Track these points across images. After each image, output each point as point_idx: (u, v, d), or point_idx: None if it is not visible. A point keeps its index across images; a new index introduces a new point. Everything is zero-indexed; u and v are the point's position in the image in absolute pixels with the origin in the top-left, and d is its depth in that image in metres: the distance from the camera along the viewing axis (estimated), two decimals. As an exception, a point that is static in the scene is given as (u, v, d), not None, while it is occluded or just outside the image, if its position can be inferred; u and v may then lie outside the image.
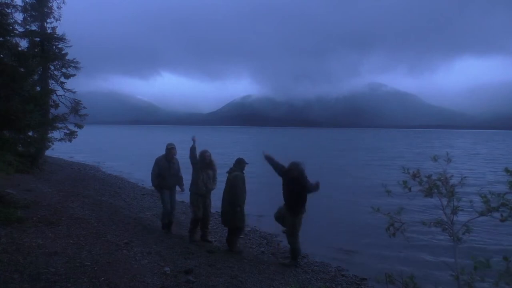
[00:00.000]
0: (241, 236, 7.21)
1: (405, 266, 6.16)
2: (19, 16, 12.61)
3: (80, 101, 15.09)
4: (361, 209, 10.66)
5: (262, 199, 11.19)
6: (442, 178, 2.45)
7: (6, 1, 8.12)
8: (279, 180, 6.27)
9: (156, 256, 5.38)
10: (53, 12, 14.24)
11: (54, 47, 14.07)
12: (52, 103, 13.95)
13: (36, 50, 13.12)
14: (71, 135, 14.67)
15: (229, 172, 6.33)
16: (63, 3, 14.54)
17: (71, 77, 14.69)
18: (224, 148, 37.94)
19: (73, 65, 14.42)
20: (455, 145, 53.65)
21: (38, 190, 9.47)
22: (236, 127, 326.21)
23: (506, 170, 2.18)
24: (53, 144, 13.94)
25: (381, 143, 58.57)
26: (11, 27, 7.76)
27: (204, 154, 6.65)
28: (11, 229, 5.51)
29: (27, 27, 13.58)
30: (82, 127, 15.00)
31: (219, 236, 7.49)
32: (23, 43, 12.14)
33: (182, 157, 7.22)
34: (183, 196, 7.34)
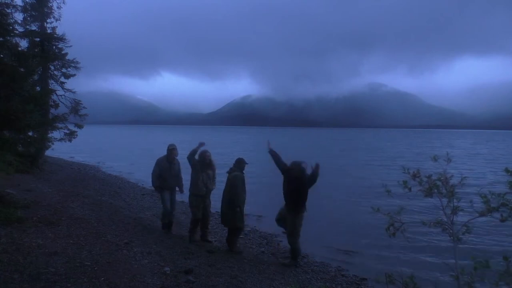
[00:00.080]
0: (241, 236, 7.22)
1: (405, 266, 6.16)
2: (19, 16, 12.63)
3: (80, 101, 15.09)
4: (361, 209, 10.67)
5: (262, 199, 11.19)
6: (442, 178, 2.44)
7: (6, 1, 8.12)
8: (279, 180, 6.27)
9: (156, 256, 5.38)
10: (53, 12, 14.26)
11: (54, 47, 14.07)
12: (52, 103, 13.95)
13: (36, 50, 13.12)
14: (71, 135, 14.67)
15: (229, 172, 6.33)
16: (63, 3, 14.55)
17: (71, 77, 14.70)
18: (224, 148, 37.95)
19: (73, 65, 14.42)
20: (455, 145, 53.65)
21: (38, 190, 9.47)
22: (236, 127, 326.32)
23: (506, 170, 2.18)
24: (53, 144, 13.94)
25: (381, 143, 58.58)
26: (11, 27, 7.76)
27: (204, 154, 6.64)
28: (11, 229, 5.51)
29: (27, 27, 13.58)
30: (82, 127, 15.00)
31: (219, 236, 7.49)
32: (23, 43, 12.16)
33: (182, 158, 7.22)
34: (183, 196, 7.34)
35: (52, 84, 14.37)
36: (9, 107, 6.58)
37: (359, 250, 7.43)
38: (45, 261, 4.46)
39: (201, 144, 6.61)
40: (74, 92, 14.87)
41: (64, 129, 14.43)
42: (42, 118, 9.31)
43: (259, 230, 8.60)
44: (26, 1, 13.38)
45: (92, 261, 4.68)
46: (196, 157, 6.61)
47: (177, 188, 7.21)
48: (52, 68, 14.36)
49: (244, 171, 6.42)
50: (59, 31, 14.14)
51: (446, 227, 2.40)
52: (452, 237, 2.38)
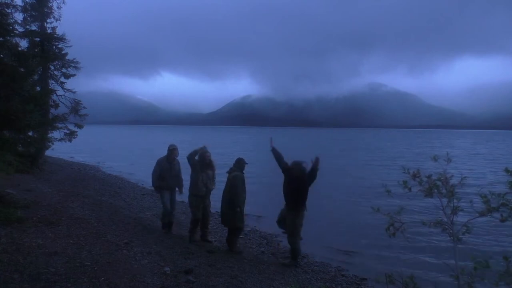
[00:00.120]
0: (241, 236, 7.22)
1: (405, 266, 6.16)
2: (19, 16, 12.63)
3: (80, 101, 15.10)
4: (361, 209, 10.67)
5: (262, 199, 11.19)
6: (442, 178, 2.45)
7: (6, 1, 8.12)
8: (279, 180, 6.27)
9: (156, 256, 5.38)
10: (53, 12, 14.26)
11: (54, 47, 14.07)
12: (52, 103, 13.95)
13: (36, 50, 13.12)
14: (71, 135, 14.68)
15: (229, 172, 6.33)
16: (63, 3, 14.55)
17: (71, 77, 14.70)
18: (224, 148, 37.95)
19: (73, 65, 14.43)
20: (455, 145, 53.66)
21: (38, 190, 9.47)
22: (236, 127, 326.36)
23: (506, 170, 2.18)
24: (53, 144, 13.94)
25: (381, 143, 58.58)
26: (11, 27, 7.76)
27: (204, 154, 6.64)
28: (11, 229, 5.51)
29: (27, 27, 13.59)
30: (82, 127, 15.00)
31: (219, 236, 7.49)
32: (23, 43, 12.16)
33: (182, 158, 7.23)
34: (183, 196, 7.34)
35: (52, 84, 14.37)
36: (9, 107, 6.58)
37: (359, 250, 7.43)
38: (45, 261, 4.46)
39: (204, 147, 6.65)
40: (74, 92, 14.87)
41: (64, 129, 14.44)
42: (42, 118, 9.31)
43: (259, 230, 8.60)
44: (26, 1, 13.39)
45: (92, 261, 4.68)
46: (196, 157, 6.62)
47: (176, 189, 7.21)
48: (52, 68, 14.36)
49: (244, 171, 6.42)
50: (59, 31, 14.17)
51: (446, 227, 2.40)
52: (452, 237, 2.38)
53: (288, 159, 6.28)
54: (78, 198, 9.28)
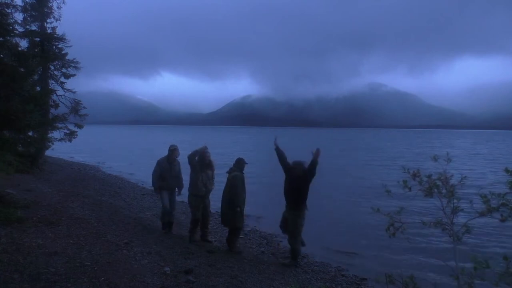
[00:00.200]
0: (241, 236, 7.22)
1: (405, 266, 6.16)
2: (19, 16, 12.63)
3: (80, 101, 15.10)
4: (361, 210, 10.67)
5: (262, 200, 11.20)
6: (442, 178, 2.45)
7: (6, 1, 8.12)
8: (279, 180, 6.27)
9: (156, 256, 5.38)
10: (53, 12, 14.26)
11: (54, 47, 14.07)
12: (52, 103, 13.95)
13: (36, 50, 13.12)
14: (71, 135, 14.68)
15: (229, 172, 6.33)
16: (63, 3, 14.55)
17: (71, 77, 14.70)
18: (224, 148, 37.96)
19: (73, 65, 14.43)
20: (455, 145, 53.66)
21: (38, 190, 9.47)
22: (236, 127, 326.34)
23: (506, 170, 2.18)
24: (53, 144, 13.94)
25: (381, 143, 58.58)
26: (11, 27, 7.76)
27: (204, 154, 6.65)
28: (11, 229, 5.51)
29: (27, 27, 13.58)
30: (82, 127, 15.00)
31: (219, 236, 7.49)
32: (23, 43, 12.16)
33: (182, 158, 7.23)
34: (183, 196, 7.34)
35: (52, 84, 14.37)
36: (9, 107, 6.58)
37: (359, 250, 7.43)
38: (45, 261, 4.46)
39: (205, 147, 6.65)
40: (74, 92, 14.87)
41: (64, 129, 14.44)
42: (42, 118, 9.31)
43: (259, 230, 8.60)
44: (26, 1, 13.38)
45: (92, 261, 4.68)
46: (196, 158, 6.62)
47: (176, 189, 7.21)
48: (52, 68, 14.36)
49: (244, 171, 6.43)
50: (59, 31, 14.17)
51: (446, 227, 2.40)
52: (452, 237, 2.38)
53: (289, 159, 6.28)
54: (78, 198, 9.28)
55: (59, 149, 16.08)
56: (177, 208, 8.05)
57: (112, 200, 10.09)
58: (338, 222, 9.68)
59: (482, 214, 2.27)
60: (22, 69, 7.45)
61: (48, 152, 15.43)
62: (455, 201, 2.38)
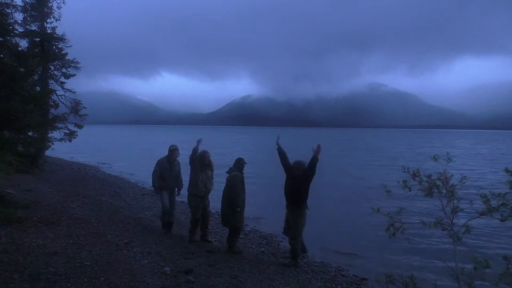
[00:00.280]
0: (241, 236, 7.21)
1: (405, 267, 6.16)
2: (19, 16, 12.63)
3: (80, 101, 15.10)
4: (361, 210, 10.66)
5: (262, 200, 11.19)
6: (442, 178, 2.45)
7: (6, 1, 8.12)
8: (279, 180, 6.27)
9: (156, 256, 5.38)
10: (53, 12, 14.26)
11: (54, 47, 14.07)
12: (52, 103, 13.95)
13: (36, 50, 13.12)
14: (71, 135, 14.68)
15: (229, 172, 6.33)
16: (63, 3, 14.55)
17: (71, 77, 14.70)
18: (224, 148, 37.96)
19: (73, 65, 14.43)
20: (455, 145, 53.65)
21: (38, 190, 9.47)
22: (236, 127, 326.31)
23: (507, 170, 2.18)
24: (53, 144, 13.94)
25: (381, 143, 58.57)
26: (11, 27, 7.76)
27: (204, 154, 6.64)
28: (11, 229, 5.51)
29: (27, 27, 13.58)
30: (82, 127, 15.00)
31: (219, 236, 7.49)
32: (23, 43, 12.16)
33: (183, 158, 7.22)
34: (183, 196, 7.34)
35: (52, 84, 14.37)
36: (9, 107, 6.58)
37: (359, 250, 7.42)
38: (45, 261, 4.46)
39: (199, 141, 6.59)
40: (74, 92, 14.87)
41: (64, 129, 14.44)
42: (42, 118, 9.30)
43: (259, 230, 8.59)
44: (26, 1, 13.38)
45: (92, 261, 4.68)
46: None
47: (176, 189, 7.21)
48: (52, 68, 14.36)
49: (243, 171, 6.42)
50: (59, 31, 14.16)
51: (446, 227, 2.40)
52: (452, 237, 2.38)
53: (289, 159, 6.29)
54: (78, 198, 9.28)
55: (59, 149, 16.08)
56: (177, 208, 8.05)
57: (112, 200, 10.09)
58: (338, 222, 9.67)
59: (482, 214, 2.27)
60: (22, 69, 7.45)
61: (48, 152, 15.43)
62: (455, 201, 2.38)
